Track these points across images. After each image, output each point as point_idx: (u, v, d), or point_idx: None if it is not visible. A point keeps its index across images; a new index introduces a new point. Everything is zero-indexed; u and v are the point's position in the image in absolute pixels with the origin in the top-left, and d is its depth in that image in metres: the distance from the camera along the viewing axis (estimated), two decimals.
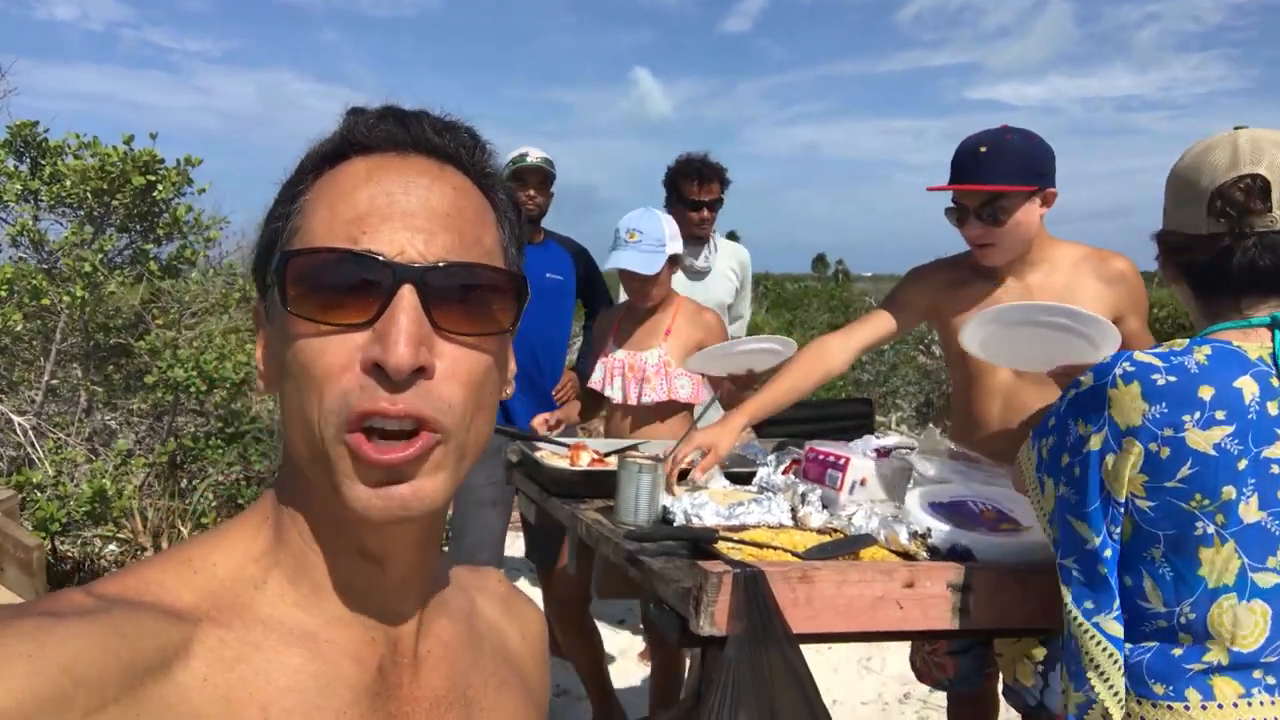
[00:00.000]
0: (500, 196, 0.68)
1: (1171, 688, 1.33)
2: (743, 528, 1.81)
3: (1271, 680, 1.31)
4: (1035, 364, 1.97)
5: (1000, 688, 2.21)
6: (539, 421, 2.84)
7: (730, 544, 1.69)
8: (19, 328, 4.28)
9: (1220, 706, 1.30)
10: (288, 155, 0.66)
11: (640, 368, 2.83)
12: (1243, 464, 1.29)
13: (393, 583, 0.65)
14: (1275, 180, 1.35)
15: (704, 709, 1.40)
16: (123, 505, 3.87)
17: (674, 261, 2.84)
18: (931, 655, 2.35)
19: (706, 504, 1.85)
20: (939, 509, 1.78)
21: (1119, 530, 1.37)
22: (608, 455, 2.39)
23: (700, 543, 1.71)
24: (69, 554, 4.01)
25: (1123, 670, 1.35)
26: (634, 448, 2.42)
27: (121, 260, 4.70)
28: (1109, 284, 2.11)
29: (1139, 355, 1.35)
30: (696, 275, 3.60)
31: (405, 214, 0.60)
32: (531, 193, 3.31)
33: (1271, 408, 1.30)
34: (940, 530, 1.69)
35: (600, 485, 2.13)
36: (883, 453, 2.04)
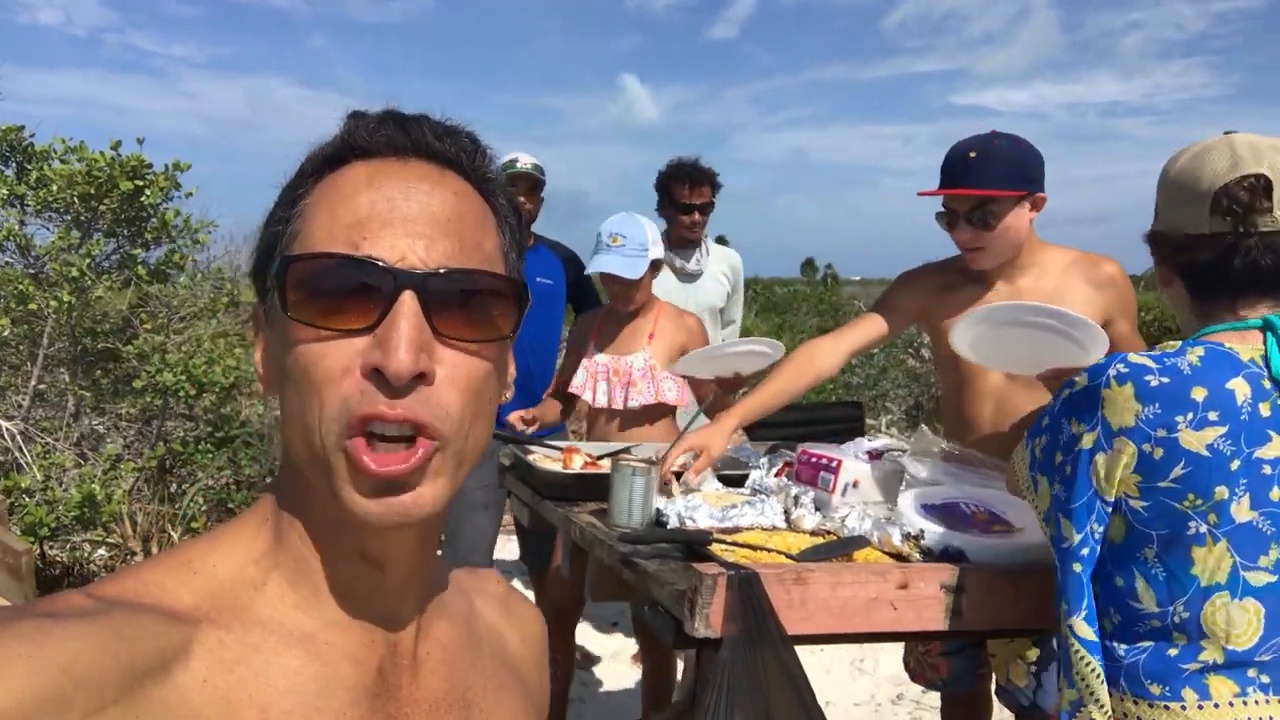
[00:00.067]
0: (501, 202, 0.68)
1: (1168, 688, 1.34)
2: (736, 530, 1.81)
3: (1266, 679, 1.32)
4: (1025, 366, 1.98)
5: (993, 688, 2.22)
6: (515, 418, 2.83)
7: (724, 546, 1.69)
8: (6, 333, 4.25)
9: (1216, 706, 1.31)
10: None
11: (625, 371, 2.83)
12: (1235, 464, 1.31)
13: (392, 585, 0.64)
14: (1277, 180, 1.37)
15: (699, 711, 1.40)
16: (112, 510, 3.84)
17: (656, 266, 2.85)
18: (925, 656, 2.36)
19: (700, 506, 1.85)
20: (932, 511, 1.78)
21: (1102, 529, 1.38)
22: (601, 458, 2.39)
23: (694, 545, 1.71)
24: (58, 559, 3.99)
25: (1097, 673, 1.35)
26: (627, 451, 2.42)
27: (109, 265, 4.67)
28: (1098, 288, 2.12)
29: (1133, 357, 1.36)
30: (688, 278, 3.61)
31: (406, 219, 0.60)
32: (522, 199, 3.31)
33: (1263, 409, 1.32)
34: (933, 532, 1.70)
35: (594, 488, 2.13)
36: (874, 455, 2.04)
